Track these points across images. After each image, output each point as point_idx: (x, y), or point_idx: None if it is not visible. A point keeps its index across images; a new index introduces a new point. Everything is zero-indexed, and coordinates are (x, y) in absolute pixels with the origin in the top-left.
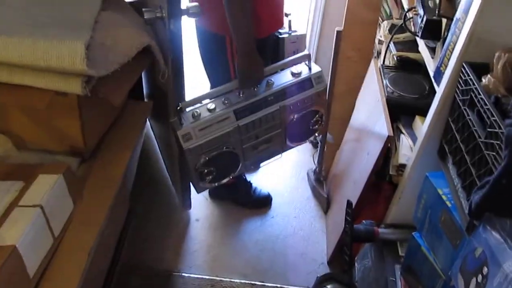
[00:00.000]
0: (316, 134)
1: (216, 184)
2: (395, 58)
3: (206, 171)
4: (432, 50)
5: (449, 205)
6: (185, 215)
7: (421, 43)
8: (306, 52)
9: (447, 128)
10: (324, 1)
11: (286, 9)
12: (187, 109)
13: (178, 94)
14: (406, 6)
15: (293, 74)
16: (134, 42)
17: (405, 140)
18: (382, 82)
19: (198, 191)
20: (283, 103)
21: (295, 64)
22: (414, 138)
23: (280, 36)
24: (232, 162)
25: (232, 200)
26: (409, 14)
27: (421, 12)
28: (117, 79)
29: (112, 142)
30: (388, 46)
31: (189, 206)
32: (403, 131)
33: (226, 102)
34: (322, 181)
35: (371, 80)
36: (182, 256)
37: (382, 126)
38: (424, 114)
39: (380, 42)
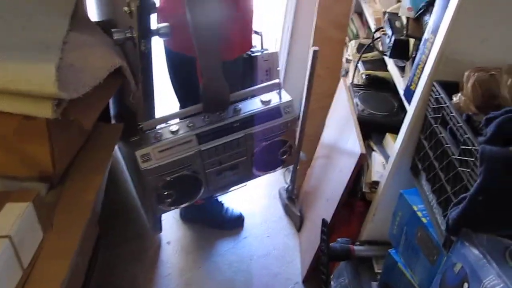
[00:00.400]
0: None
1: (174, 208)
2: (364, 77)
3: (165, 193)
4: (401, 69)
5: (425, 221)
6: (156, 238)
7: (390, 62)
8: (276, 80)
9: (419, 146)
10: (292, 20)
11: (256, 28)
12: (151, 130)
13: (148, 115)
14: (373, 27)
15: (262, 102)
16: (106, 64)
17: (377, 157)
18: (352, 100)
19: (157, 214)
20: (249, 131)
21: (265, 92)
22: (385, 155)
23: (252, 54)
24: (194, 186)
25: (203, 222)
26: (377, 34)
27: (389, 32)
28: (88, 101)
29: (82, 166)
30: (357, 65)
31: (160, 229)
32: (375, 148)
33: (190, 125)
34: (294, 199)
35: (340, 98)
36: (155, 280)
37: (354, 144)
38: (394, 131)
39: (348, 61)
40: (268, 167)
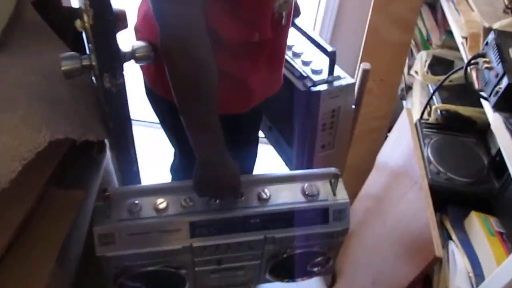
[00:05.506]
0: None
1: None
2: (438, 112)
3: (130, 286)
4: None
5: None
6: None
7: (490, 111)
8: (334, 169)
9: None
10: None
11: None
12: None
13: (125, 179)
14: (465, 48)
15: (305, 194)
16: (19, 151)
17: (457, 256)
18: (422, 152)
19: None
20: (272, 233)
21: (311, 179)
22: (471, 255)
23: (312, 88)
24: (174, 283)
25: None
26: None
27: (497, 66)
28: None
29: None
30: (432, 96)
31: None
32: (452, 235)
33: (186, 203)
34: None
35: (402, 139)
36: None
37: (423, 232)
38: (482, 207)
39: (411, 75)
40: (288, 276)
